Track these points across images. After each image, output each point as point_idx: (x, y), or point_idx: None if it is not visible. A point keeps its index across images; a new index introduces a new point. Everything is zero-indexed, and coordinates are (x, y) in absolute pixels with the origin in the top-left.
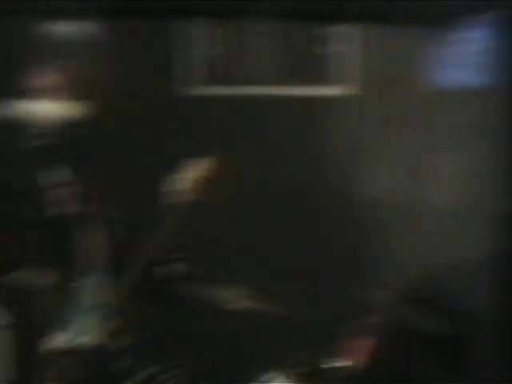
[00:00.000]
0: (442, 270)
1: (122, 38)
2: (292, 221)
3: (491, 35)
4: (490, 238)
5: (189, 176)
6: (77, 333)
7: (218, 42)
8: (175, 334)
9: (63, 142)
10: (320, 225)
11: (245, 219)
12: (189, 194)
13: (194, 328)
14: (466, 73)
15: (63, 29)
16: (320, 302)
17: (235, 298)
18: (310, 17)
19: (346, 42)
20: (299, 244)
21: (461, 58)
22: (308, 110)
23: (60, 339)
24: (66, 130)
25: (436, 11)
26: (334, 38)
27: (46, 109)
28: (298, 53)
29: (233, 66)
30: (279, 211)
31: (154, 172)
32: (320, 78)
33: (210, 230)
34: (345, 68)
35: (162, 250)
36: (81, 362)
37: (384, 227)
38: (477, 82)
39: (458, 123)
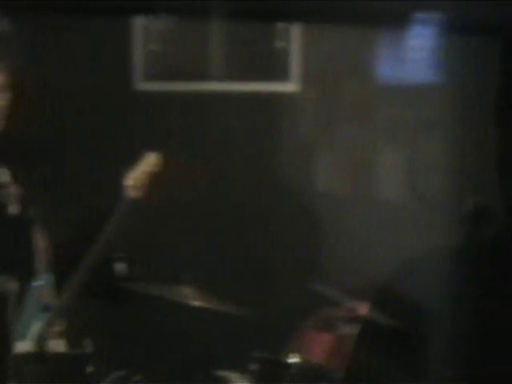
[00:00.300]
0: (396, 266)
1: (77, 34)
2: (245, 218)
3: (438, 33)
4: (445, 234)
5: (136, 172)
6: (32, 338)
7: (175, 37)
8: (131, 335)
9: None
10: (273, 221)
11: (198, 216)
12: (135, 191)
13: (150, 328)
14: (414, 69)
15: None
16: (276, 299)
17: (190, 297)
18: (260, 16)
19: (294, 39)
20: (253, 241)
21: (409, 55)
22: (259, 106)
23: (18, 345)
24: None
25: (384, 9)
26: (282, 35)
27: None
28: (251, 49)
29: (182, 62)
30: (232, 208)
31: (104, 168)
32: (271, 75)
33: (160, 228)
34: (294, 65)
35: (111, 249)
36: (42, 368)
37: (337, 223)
38: (426, 79)
39: (407, 119)
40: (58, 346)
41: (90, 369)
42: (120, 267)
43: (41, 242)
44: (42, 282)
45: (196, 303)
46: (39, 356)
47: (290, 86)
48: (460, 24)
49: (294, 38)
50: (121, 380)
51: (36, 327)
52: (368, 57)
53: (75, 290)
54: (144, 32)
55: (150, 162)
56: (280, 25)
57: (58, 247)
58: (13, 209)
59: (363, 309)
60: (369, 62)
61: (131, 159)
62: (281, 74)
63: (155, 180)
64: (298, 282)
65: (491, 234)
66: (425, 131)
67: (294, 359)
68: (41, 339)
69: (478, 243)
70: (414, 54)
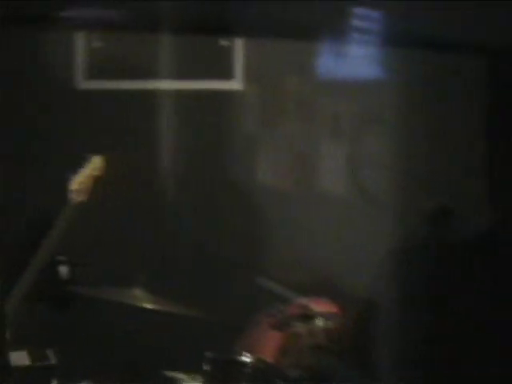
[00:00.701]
0: (338, 261)
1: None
2: (191, 217)
3: (380, 28)
4: (389, 231)
5: (80, 176)
6: None
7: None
8: (82, 340)
9: None
10: (220, 218)
11: (140, 217)
12: (80, 195)
13: (101, 331)
14: (357, 65)
15: None
16: (223, 297)
17: (141, 299)
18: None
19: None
20: (196, 239)
21: (352, 51)
22: (204, 104)
23: None
24: None
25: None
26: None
27: None
28: (196, 47)
29: (127, 60)
30: (178, 206)
31: (49, 171)
32: (215, 73)
33: (103, 231)
34: (238, 63)
35: (56, 253)
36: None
37: (282, 218)
38: (369, 75)
39: (350, 115)
40: (21, 358)
41: (55, 381)
42: (65, 270)
43: None
44: None
45: (147, 305)
46: (2, 370)
47: (234, 84)
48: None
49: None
50: None
51: None
52: (311, 52)
53: (20, 295)
54: (83, 29)
55: (94, 165)
56: None
57: (1, 252)
58: None
59: (315, 305)
60: (311, 58)
61: (76, 161)
62: (225, 72)
63: (101, 182)
64: (246, 279)
65: (450, 233)
66: (368, 127)
67: (246, 358)
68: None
69: (438, 242)
70: (356, 50)
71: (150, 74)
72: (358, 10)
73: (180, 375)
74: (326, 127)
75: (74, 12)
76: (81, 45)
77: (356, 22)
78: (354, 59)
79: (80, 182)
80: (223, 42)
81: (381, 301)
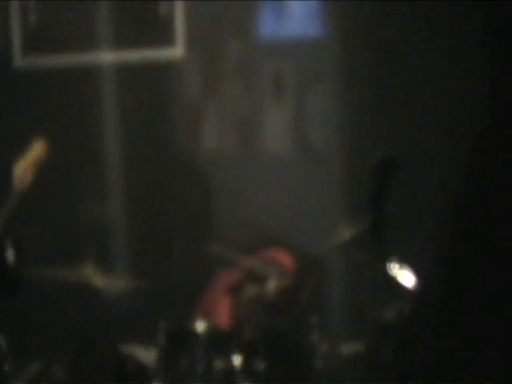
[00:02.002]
0: (288, 221)
1: None
2: (140, 186)
3: None
4: (334, 186)
5: (23, 161)
6: None
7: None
8: (35, 322)
9: None
10: (164, 186)
11: (86, 191)
12: (23, 180)
13: (53, 312)
14: (296, 24)
15: None
16: (175, 266)
17: (92, 276)
18: None
19: (177, 3)
20: (144, 209)
21: (290, 10)
22: (147, 74)
23: None
24: None
25: None
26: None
27: None
28: (136, 15)
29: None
30: (127, 177)
31: None
32: (157, 41)
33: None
34: (179, 29)
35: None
36: None
37: (225, 179)
38: (307, 33)
39: (290, 74)
40: None
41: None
42: (12, 254)
43: None
44: None
45: (99, 282)
46: None
47: (176, 51)
48: None
49: (177, 2)
50: (38, 374)
51: None
52: (250, 13)
53: None
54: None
55: (37, 150)
56: None
57: None
58: None
59: (272, 256)
60: (251, 19)
61: (19, 145)
62: (166, 39)
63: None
64: (196, 246)
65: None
66: (310, 85)
67: (200, 326)
68: None
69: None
70: (295, 9)
71: (90, 46)
72: None
73: (135, 348)
74: (268, 88)
75: None
76: (16, 20)
77: None
78: (293, 17)
79: (23, 167)
80: (164, 9)
81: (333, 259)
